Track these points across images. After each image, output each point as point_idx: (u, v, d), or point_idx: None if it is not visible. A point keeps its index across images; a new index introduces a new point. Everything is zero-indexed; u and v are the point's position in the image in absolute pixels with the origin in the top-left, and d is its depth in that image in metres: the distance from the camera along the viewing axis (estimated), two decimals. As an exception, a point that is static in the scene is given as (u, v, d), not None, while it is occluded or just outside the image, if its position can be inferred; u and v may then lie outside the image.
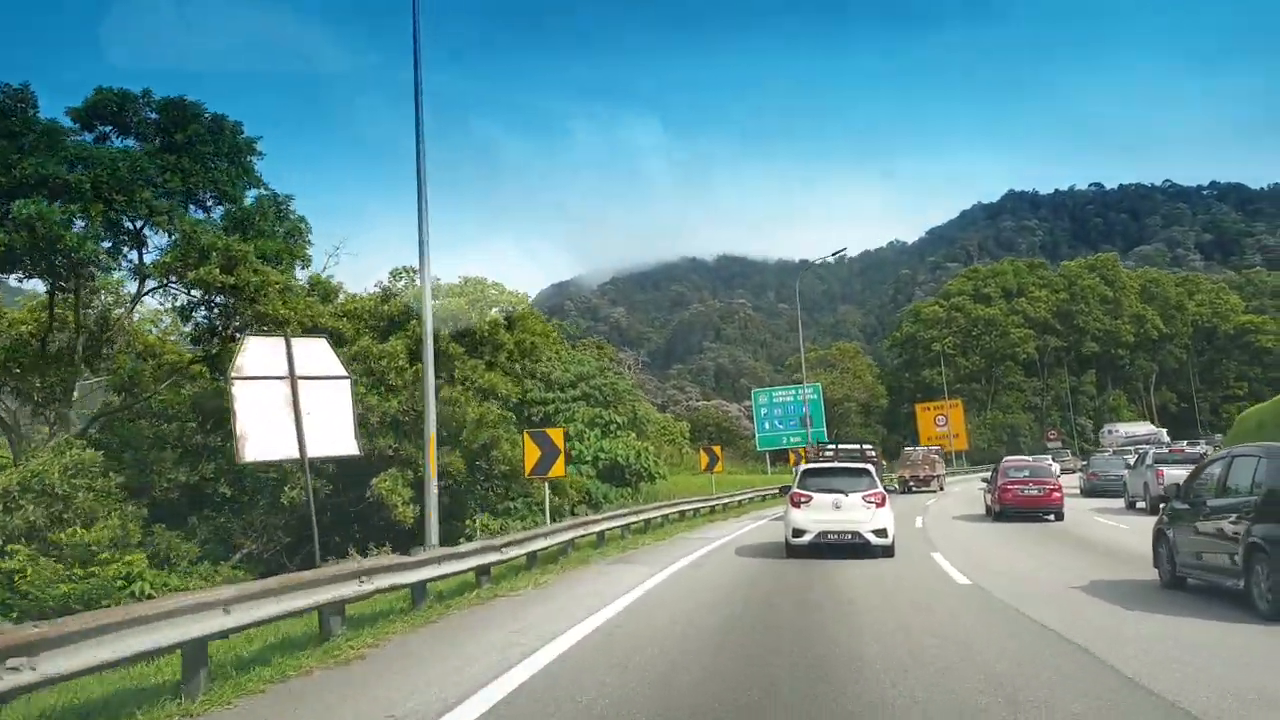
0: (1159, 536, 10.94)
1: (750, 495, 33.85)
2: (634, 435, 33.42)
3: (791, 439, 55.25)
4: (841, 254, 45.21)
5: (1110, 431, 61.56)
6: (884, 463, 42.45)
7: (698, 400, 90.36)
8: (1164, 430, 59.49)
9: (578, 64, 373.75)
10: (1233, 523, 8.87)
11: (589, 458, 30.85)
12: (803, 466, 18.14)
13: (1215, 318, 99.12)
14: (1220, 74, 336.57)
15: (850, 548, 14.01)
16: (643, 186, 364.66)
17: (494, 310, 24.30)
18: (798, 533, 14.25)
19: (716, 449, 33.46)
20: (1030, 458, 33.15)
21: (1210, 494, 9.74)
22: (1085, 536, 18.60)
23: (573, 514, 24.51)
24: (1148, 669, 6.24)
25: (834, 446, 34.11)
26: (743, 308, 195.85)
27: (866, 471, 15.48)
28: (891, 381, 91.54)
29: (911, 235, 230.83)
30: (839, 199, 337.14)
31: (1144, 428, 60.41)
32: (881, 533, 14.05)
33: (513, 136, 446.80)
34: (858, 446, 34.15)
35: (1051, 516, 22.61)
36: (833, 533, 14.08)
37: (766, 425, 63.40)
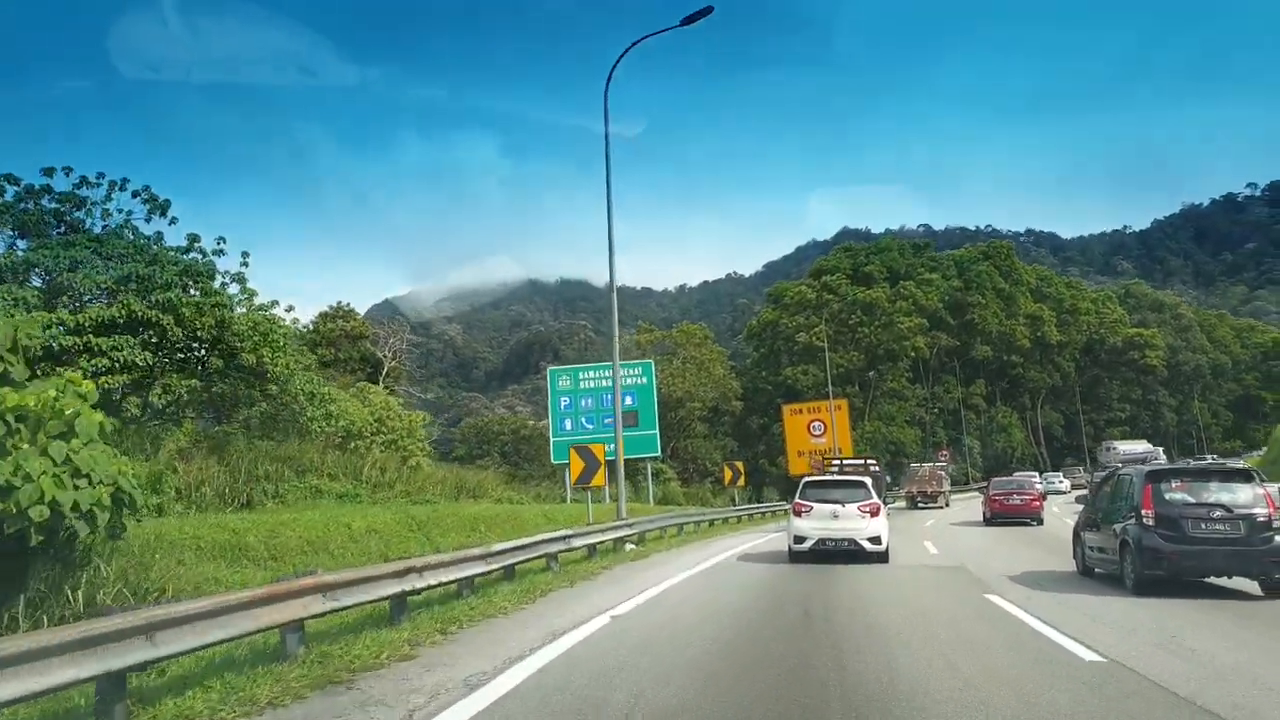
0: (1076, 535, 14.26)
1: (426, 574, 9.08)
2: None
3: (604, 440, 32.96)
4: (705, 14, 21.66)
5: (1109, 449, 62.69)
6: (887, 477, 39.78)
7: (530, 419, 71.18)
8: (1160, 449, 63.19)
9: (419, 77, 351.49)
10: (1115, 524, 11.99)
11: None
12: (805, 478, 18.10)
13: (1103, 329, 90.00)
14: (1026, 128, 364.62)
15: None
16: (482, 206, 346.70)
17: None
18: (799, 539, 15.61)
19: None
20: (1018, 474, 41.17)
21: (1107, 502, 12.91)
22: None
23: None
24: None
25: (839, 461, 34.68)
26: (583, 329, 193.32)
27: (863, 484, 16.38)
28: (745, 382, 70.68)
29: (749, 268, 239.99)
30: (680, 230, 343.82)
31: (1141, 446, 61.91)
32: (876, 540, 15.29)
33: (341, 145, 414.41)
34: (861, 462, 34.14)
35: (1033, 522, 27.70)
36: (831, 540, 15.33)
37: (568, 424, 41.65)
